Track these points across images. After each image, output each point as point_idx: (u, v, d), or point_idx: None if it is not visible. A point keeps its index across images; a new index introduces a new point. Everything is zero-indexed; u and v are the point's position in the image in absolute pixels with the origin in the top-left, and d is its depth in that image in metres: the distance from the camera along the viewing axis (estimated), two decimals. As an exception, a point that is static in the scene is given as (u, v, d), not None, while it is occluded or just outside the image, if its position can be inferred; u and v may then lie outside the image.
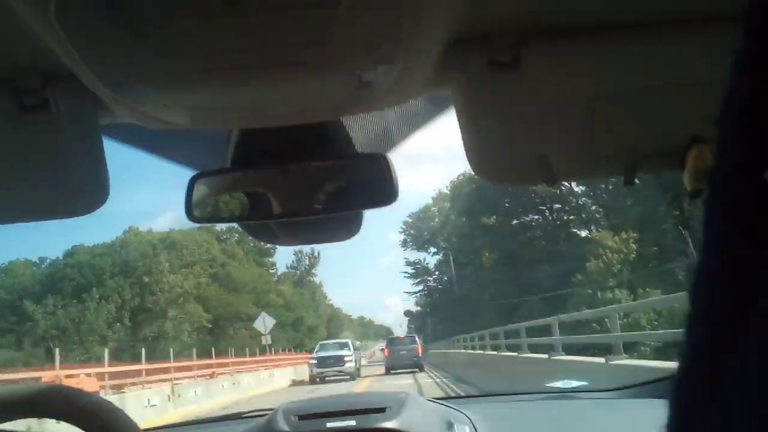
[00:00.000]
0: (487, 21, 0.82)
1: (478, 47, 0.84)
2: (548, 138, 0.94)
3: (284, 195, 1.17)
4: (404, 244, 59.70)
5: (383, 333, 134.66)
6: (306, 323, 62.88)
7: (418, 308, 73.79)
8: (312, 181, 1.17)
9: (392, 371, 26.76)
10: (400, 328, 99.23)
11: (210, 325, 46.36)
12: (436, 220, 58.10)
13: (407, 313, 77.89)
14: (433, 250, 58.37)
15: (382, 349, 41.28)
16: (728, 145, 0.26)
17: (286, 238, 1.36)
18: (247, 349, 43.60)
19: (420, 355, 28.42)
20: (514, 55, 0.84)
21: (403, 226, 58.73)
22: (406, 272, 60.57)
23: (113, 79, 0.77)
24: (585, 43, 0.85)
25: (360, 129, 1.22)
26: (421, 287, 60.15)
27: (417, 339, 31.06)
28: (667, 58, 0.85)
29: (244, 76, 0.77)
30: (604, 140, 0.92)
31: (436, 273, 57.78)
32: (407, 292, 64.87)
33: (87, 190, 0.99)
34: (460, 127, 0.95)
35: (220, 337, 47.05)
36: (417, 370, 26.06)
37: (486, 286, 43.26)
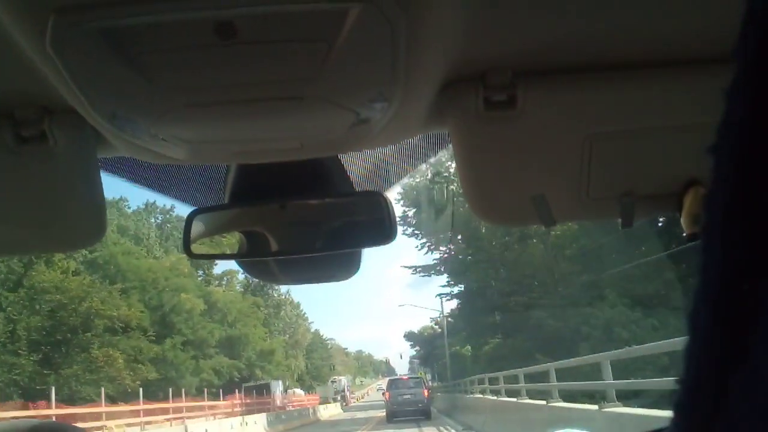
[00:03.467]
0: (482, 61, 0.83)
1: (474, 87, 0.85)
2: (545, 178, 0.94)
3: (282, 233, 1.17)
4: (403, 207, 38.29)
5: (383, 369, 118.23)
6: (256, 345, 40.92)
7: (435, 326, 52.10)
8: (310, 219, 1.18)
9: (395, 419, 23.44)
10: (401, 360, 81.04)
11: (35, 337, 24.71)
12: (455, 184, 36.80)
13: (409, 337, 56.07)
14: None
15: (380, 390, 36.08)
16: (724, 169, 0.27)
17: (285, 277, 1.35)
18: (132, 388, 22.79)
19: (427, 398, 24.58)
20: (510, 95, 0.84)
21: (402, 191, 37.22)
22: (403, 223, 36.97)
23: (109, 111, 0.77)
24: (581, 83, 0.85)
25: (357, 166, 1.24)
26: (437, 258, 36.84)
27: (423, 381, 26.84)
28: (663, 100, 0.86)
29: (239, 110, 0.77)
30: (601, 182, 0.92)
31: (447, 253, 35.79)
32: (407, 267, 38.22)
33: (84, 224, 0.99)
34: (458, 166, 0.95)
35: (64, 363, 25.37)
36: (423, 417, 22.94)
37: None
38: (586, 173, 0.91)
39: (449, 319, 38.88)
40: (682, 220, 0.88)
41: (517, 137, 0.89)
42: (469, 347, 31.66)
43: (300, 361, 60.79)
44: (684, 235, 0.86)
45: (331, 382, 53.53)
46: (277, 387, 37.03)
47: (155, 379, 28.60)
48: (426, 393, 24.69)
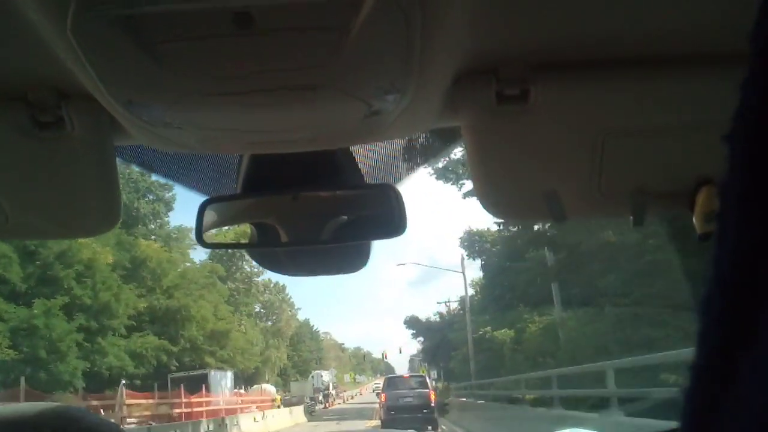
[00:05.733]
0: (495, 54, 0.84)
1: (486, 80, 0.85)
2: (557, 174, 0.94)
3: (293, 224, 1.18)
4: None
5: (381, 367, 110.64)
6: (206, 324, 30.10)
7: (438, 317, 41.55)
8: (321, 211, 1.18)
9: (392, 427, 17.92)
10: (400, 354, 70.74)
11: None
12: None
13: (411, 324, 45.31)
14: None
15: (376, 391, 31.31)
16: (739, 156, 0.27)
17: (294, 268, 1.37)
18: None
19: (433, 403, 19.11)
20: (523, 89, 0.85)
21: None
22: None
23: (126, 97, 0.78)
24: (594, 78, 0.85)
25: (369, 159, 1.25)
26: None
27: (428, 380, 21.29)
28: (677, 97, 0.86)
29: (255, 99, 0.78)
30: (613, 178, 0.92)
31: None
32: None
33: (98, 211, 1.00)
34: (469, 160, 0.95)
35: None
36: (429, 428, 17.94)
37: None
38: (598, 169, 0.90)
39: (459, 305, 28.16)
40: (694, 219, 0.87)
41: (530, 132, 0.88)
42: (511, 331, 20.84)
43: (282, 352, 50.32)
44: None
45: (311, 377, 42.84)
46: (223, 379, 26.23)
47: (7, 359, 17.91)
48: (432, 395, 19.56)
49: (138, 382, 24.36)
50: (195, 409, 19.60)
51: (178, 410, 19.01)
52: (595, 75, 0.84)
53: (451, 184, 26.50)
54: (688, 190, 0.88)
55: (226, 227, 1.53)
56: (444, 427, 19.12)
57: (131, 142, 0.97)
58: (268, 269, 1.42)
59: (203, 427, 16.60)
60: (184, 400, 19.50)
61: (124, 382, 17.04)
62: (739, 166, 0.27)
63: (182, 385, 20.52)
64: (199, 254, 38.27)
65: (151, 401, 18.21)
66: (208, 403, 21.99)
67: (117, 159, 0.98)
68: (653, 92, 0.85)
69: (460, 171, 25.13)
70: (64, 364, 19.98)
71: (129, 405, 16.66)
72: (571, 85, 0.85)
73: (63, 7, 0.61)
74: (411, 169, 1.32)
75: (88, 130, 0.89)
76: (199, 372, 25.40)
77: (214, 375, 25.47)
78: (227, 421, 18.37)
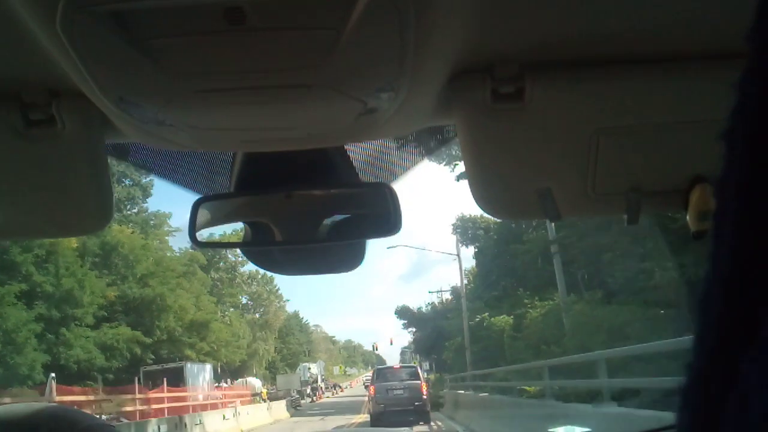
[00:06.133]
0: (490, 52, 0.84)
1: (481, 78, 0.85)
2: (551, 172, 0.94)
3: (287, 222, 1.18)
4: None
5: (373, 360, 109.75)
6: (185, 315, 28.34)
7: (427, 307, 40.13)
8: (316, 209, 1.18)
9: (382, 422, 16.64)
10: (391, 345, 69.16)
11: None
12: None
13: (402, 314, 43.67)
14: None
15: (366, 382, 29.55)
16: (737, 153, 0.26)
17: (289, 267, 1.36)
18: None
19: (425, 396, 18.06)
20: (518, 87, 0.85)
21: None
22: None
23: (117, 94, 0.78)
24: (589, 76, 0.86)
25: (364, 158, 1.24)
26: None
27: (420, 371, 20.34)
28: (671, 96, 0.87)
29: (247, 97, 0.78)
30: (608, 177, 0.93)
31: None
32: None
33: (90, 209, 0.99)
34: (464, 159, 0.96)
35: None
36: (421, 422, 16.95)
37: None
38: (593, 168, 0.91)
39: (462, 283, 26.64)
40: (688, 217, 0.88)
41: (524, 130, 0.88)
42: (510, 318, 19.31)
43: (270, 344, 48.71)
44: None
45: (298, 370, 41.23)
46: (201, 372, 24.53)
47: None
48: (424, 387, 18.49)
49: (111, 376, 22.66)
50: (153, 406, 17.24)
51: (130, 408, 16.59)
52: (589, 73, 0.84)
53: (444, 165, 25.06)
54: (682, 188, 0.88)
55: (230, 230, 1.52)
56: (440, 423, 17.55)
57: (123, 139, 0.97)
58: (263, 268, 1.38)
59: (152, 427, 14.14)
60: (138, 396, 16.97)
61: (52, 375, 14.88)
62: (738, 162, 0.26)
63: (138, 378, 18.53)
64: (179, 241, 36.51)
65: (91, 398, 15.79)
66: (182, 398, 19.94)
67: (108, 156, 0.97)
68: (647, 91, 0.85)
69: (454, 152, 23.68)
70: (21, 356, 18.19)
71: (61, 402, 14.38)
72: (565, 84, 0.85)
73: (52, 4, 0.60)
74: (406, 168, 1.31)
75: (79, 128, 0.88)
76: (175, 365, 23.69)
77: (190, 368, 23.78)
78: (186, 420, 15.93)
